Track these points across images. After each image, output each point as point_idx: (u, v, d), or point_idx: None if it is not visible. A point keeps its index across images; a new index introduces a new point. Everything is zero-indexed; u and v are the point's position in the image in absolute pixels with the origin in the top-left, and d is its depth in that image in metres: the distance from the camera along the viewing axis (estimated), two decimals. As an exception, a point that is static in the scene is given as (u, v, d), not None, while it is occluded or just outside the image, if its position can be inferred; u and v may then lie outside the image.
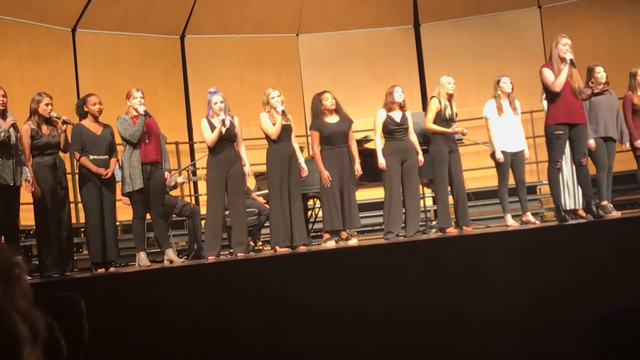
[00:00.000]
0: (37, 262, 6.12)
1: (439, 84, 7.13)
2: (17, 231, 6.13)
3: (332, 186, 6.70)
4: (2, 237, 5.82)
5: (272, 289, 5.00)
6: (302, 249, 6.51)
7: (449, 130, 6.98)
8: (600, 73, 7.07)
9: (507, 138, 7.08)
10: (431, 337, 4.88)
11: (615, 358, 1.80)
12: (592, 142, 6.96)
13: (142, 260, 6.36)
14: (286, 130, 6.68)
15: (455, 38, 11.05)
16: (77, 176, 6.75)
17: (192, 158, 10.18)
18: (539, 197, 10.03)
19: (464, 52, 10.96)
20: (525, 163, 7.30)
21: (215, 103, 6.47)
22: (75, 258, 6.76)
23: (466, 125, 7.72)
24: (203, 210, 7.38)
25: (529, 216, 7.07)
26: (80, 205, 7.51)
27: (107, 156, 6.31)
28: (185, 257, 7.37)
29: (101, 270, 6.14)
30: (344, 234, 6.81)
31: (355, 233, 7.26)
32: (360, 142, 7.71)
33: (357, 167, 6.84)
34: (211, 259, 6.28)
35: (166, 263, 6.46)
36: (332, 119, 6.87)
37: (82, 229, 7.73)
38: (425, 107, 8.44)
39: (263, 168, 7.19)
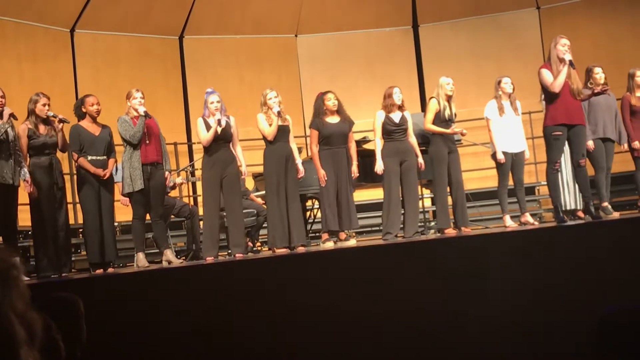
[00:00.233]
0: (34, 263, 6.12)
1: (438, 85, 7.13)
2: (15, 231, 6.13)
3: (328, 186, 6.70)
4: (1, 237, 5.81)
5: (270, 289, 5.00)
6: (301, 249, 6.51)
7: (448, 131, 6.98)
8: (599, 74, 7.07)
9: (508, 138, 7.07)
10: (430, 337, 4.88)
11: (614, 359, 1.80)
12: (591, 143, 6.96)
13: (141, 261, 6.36)
14: (283, 131, 6.67)
15: (454, 39, 11.05)
16: (75, 177, 6.74)
17: (191, 158, 10.18)
18: (537, 198, 10.04)
19: (463, 53, 10.97)
20: (525, 164, 7.30)
21: (212, 103, 6.48)
22: (73, 259, 6.75)
23: (465, 126, 7.72)
24: (202, 211, 7.38)
25: (527, 217, 7.07)
26: (78, 206, 7.50)
27: (105, 157, 6.31)
28: (184, 257, 7.36)
29: (99, 271, 6.14)
30: (342, 235, 6.81)
31: (354, 234, 7.26)
32: (358, 143, 7.70)
33: (354, 169, 6.84)
34: (209, 259, 6.28)
35: (164, 264, 6.46)
36: (333, 119, 6.87)
37: (81, 230, 7.72)
38: (424, 108, 8.43)
39: (261, 169, 7.19)
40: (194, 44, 10.74)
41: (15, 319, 1.39)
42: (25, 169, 5.89)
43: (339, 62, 11.06)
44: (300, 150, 7.44)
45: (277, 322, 4.81)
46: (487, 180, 9.49)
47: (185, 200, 9.04)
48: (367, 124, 7.60)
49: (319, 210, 7.18)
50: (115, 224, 6.92)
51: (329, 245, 6.68)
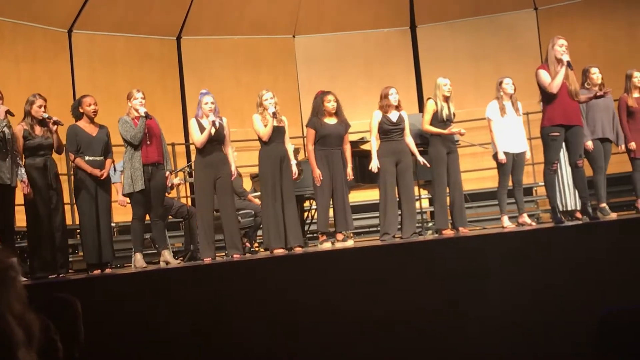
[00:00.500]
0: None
1: (435, 86, 7.12)
2: (12, 232, 6.12)
3: (323, 187, 6.70)
4: (-1, 238, 5.80)
5: (268, 290, 4.99)
6: (298, 250, 6.51)
7: (445, 131, 6.98)
8: (596, 74, 7.07)
9: (510, 139, 7.07)
10: (428, 338, 4.88)
11: (614, 359, 1.80)
12: (589, 144, 6.96)
13: (138, 261, 6.35)
14: (278, 131, 6.67)
15: (452, 39, 11.06)
16: (72, 177, 6.73)
17: (188, 159, 10.16)
18: (535, 198, 10.05)
19: (461, 54, 10.97)
20: (524, 164, 7.30)
21: (206, 104, 6.48)
22: (71, 259, 6.74)
23: (463, 126, 7.72)
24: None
25: (525, 218, 7.07)
26: (76, 207, 7.49)
27: (102, 157, 6.30)
28: (181, 258, 7.36)
29: (97, 272, 6.13)
30: (339, 236, 6.81)
31: (352, 234, 7.25)
32: (356, 144, 7.70)
33: (349, 171, 6.85)
34: (207, 260, 6.28)
35: (162, 264, 6.45)
36: (330, 120, 6.88)
37: (78, 231, 7.71)
38: (422, 109, 8.44)
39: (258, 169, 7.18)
40: (191, 45, 10.73)
41: (13, 320, 1.38)
42: (23, 170, 5.88)
43: (337, 63, 11.07)
44: (297, 150, 7.43)
45: (274, 323, 4.81)
46: (485, 181, 9.49)
47: (183, 200, 9.03)
48: (365, 125, 7.60)
49: (316, 210, 7.18)
50: (113, 224, 6.92)
51: (327, 246, 6.68)
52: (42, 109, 6.07)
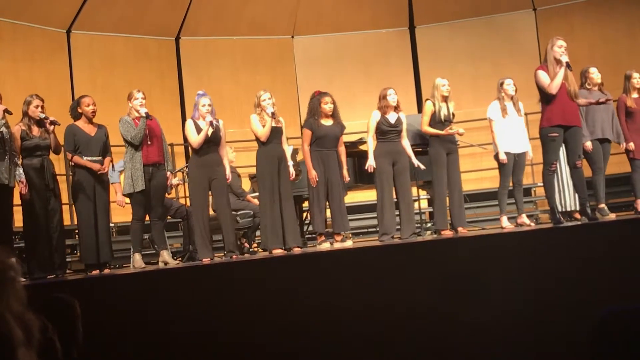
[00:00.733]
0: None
1: (434, 86, 7.13)
2: (11, 233, 6.11)
3: (318, 187, 6.70)
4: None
5: (267, 290, 4.99)
6: (297, 250, 6.50)
7: (443, 132, 6.98)
8: (595, 73, 7.08)
9: (511, 139, 7.07)
10: (427, 338, 4.87)
11: (613, 360, 1.79)
12: (589, 144, 6.96)
13: (137, 262, 6.35)
14: (276, 132, 6.67)
15: (451, 40, 11.06)
16: (70, 178, 6.73)
17: (187, 160, 10.15)
18: (534, 199, 10.05)
19: (460, 54, 10.97)
20: (525, 164, 7.30)
21: (203, 105, 6.48)
22: (69, 260, 6.73)
23: (462, 127, 7.72)
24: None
25: (523, 218, 7.07)
26: (74, 207, 7.48)
27: (100, 157, 6.29)
28: (180, 259, 7.35)
29: (95, 272, 6.13)
30: (338, 237, 6.81)
31: (350, 235, 7.26)
32: (355, 144, 7.70)
33: (345, 173, 6.85)
34: (205, 260, 6.28)
35: (161, 265, 6.45)
36: (327, 122, 6.88)
37: (76, 231, 7.71)
38: (420, 109, 8.44)
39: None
40: (190, 45, 10.73)
41: (12, 320, 1.38)
42: (21, 170, 5.87)
43: (336, 64, 11.07)
44: (296, 151, 7.43)
45: (273, 323, 4.80)
46: (484, 181, 9.49)
47: (182, 201, 9.02)
48: (364, 125, 7.59)
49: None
50: (112, 224, 6.91)
51: (326, 246, 6.68)
52: (40, 109, 6.06)
